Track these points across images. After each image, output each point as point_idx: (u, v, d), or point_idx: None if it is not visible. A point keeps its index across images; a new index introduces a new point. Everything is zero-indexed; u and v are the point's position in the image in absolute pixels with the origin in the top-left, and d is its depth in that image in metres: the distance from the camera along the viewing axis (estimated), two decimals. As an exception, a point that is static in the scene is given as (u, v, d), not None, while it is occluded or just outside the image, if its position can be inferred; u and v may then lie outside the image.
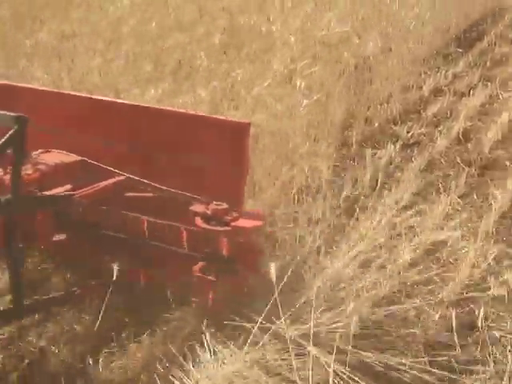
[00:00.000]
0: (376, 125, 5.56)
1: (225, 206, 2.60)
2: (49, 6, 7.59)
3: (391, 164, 4.71)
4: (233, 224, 2.56)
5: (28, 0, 7.73)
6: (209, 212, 2.59)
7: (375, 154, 4.77)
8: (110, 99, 3.39)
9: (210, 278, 2.59)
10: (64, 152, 2.81)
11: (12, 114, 2.34)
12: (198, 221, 2.60)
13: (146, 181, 2.71)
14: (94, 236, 2.73)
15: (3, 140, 2.30)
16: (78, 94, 3.42)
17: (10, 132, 2.31)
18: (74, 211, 2.70)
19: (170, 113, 3.09)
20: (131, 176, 2.72)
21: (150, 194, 2.75)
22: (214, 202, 2.61)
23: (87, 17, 7.28)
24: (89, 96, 3.29)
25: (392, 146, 4.85)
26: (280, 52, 5.91)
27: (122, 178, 2.72)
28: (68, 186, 2.66)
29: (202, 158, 2.80)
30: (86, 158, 2.78)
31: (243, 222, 2.59)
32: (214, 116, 3.43)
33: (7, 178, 2.45)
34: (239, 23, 6.83)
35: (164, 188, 2.70)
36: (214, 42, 6.22)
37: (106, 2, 7.69)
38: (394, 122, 5.70)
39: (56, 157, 2.78)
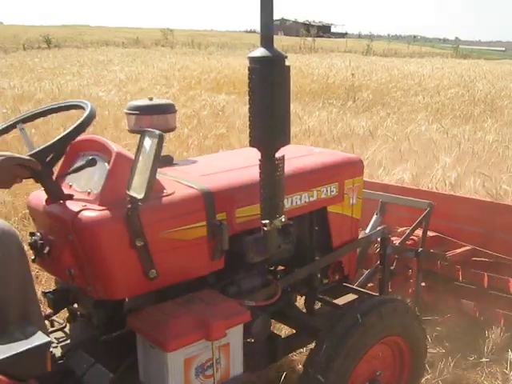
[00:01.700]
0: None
1: None
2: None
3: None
4: None
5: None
6: None
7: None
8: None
9: None
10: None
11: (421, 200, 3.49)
12: None
13: (487, 251, 3.71)
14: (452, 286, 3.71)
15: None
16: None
17: (424, 213, 3.41)
18: (441, 266, 3.70)
19: None
20: (476, 247, 3.76)
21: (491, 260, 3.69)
22: None
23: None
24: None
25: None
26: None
27: (468, 248, 3.78)
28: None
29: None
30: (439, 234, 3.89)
31: None
32: None
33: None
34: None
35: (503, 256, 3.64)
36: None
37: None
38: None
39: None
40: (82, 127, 2.14)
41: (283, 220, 2.22)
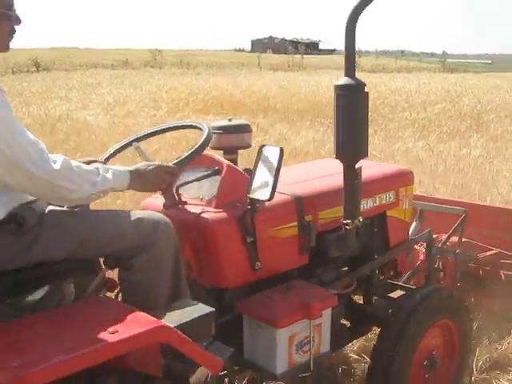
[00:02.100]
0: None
1: None
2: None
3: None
4: None
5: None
6: None
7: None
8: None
9: None
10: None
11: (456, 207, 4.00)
12: None
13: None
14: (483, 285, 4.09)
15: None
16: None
17: (459, 219, 3.85)
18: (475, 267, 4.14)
19: None
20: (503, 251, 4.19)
21: None
22: None
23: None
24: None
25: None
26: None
27: (495, 251, 4.19)
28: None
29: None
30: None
31: None
32: None
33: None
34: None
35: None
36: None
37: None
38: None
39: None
40: (204, 145, 2.57)
41: (361, 220, 2.73)
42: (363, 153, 2.62)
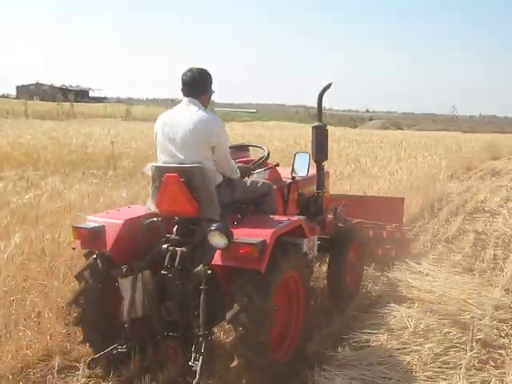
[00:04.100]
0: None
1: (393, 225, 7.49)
2: None
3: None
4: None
5: None
6: (388, 227, 7.45)
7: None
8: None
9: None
10: None
11: None
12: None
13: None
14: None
15: None
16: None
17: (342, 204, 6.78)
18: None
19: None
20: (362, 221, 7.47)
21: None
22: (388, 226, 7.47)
23: None
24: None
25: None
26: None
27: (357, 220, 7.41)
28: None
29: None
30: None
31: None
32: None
33: None
34: None
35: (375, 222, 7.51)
36: None
37: None
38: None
39: None
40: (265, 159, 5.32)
41: (324, 191, 6.31)
42: (325, 158, 6.05)
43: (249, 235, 3.92)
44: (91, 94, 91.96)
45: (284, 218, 4.42)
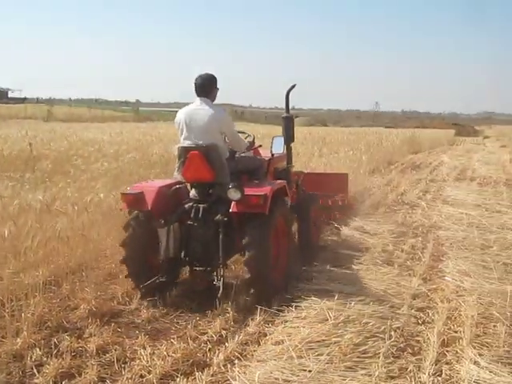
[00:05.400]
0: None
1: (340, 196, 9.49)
2: None
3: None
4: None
5: None
6: (336, 198, 9.38)
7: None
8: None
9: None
10: None
11: None
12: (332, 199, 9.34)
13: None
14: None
15: None
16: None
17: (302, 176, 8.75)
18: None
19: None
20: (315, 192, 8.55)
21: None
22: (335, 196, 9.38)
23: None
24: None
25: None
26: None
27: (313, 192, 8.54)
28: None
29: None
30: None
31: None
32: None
33: None
34: None
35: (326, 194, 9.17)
36: None
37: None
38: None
39: None
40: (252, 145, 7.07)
41: (292, 165, 7.85)
42: (292, 141, 7.29)
43: (255, 191, 5.64)
44: (10, 95, 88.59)
45: (275, 182, 6.39)
